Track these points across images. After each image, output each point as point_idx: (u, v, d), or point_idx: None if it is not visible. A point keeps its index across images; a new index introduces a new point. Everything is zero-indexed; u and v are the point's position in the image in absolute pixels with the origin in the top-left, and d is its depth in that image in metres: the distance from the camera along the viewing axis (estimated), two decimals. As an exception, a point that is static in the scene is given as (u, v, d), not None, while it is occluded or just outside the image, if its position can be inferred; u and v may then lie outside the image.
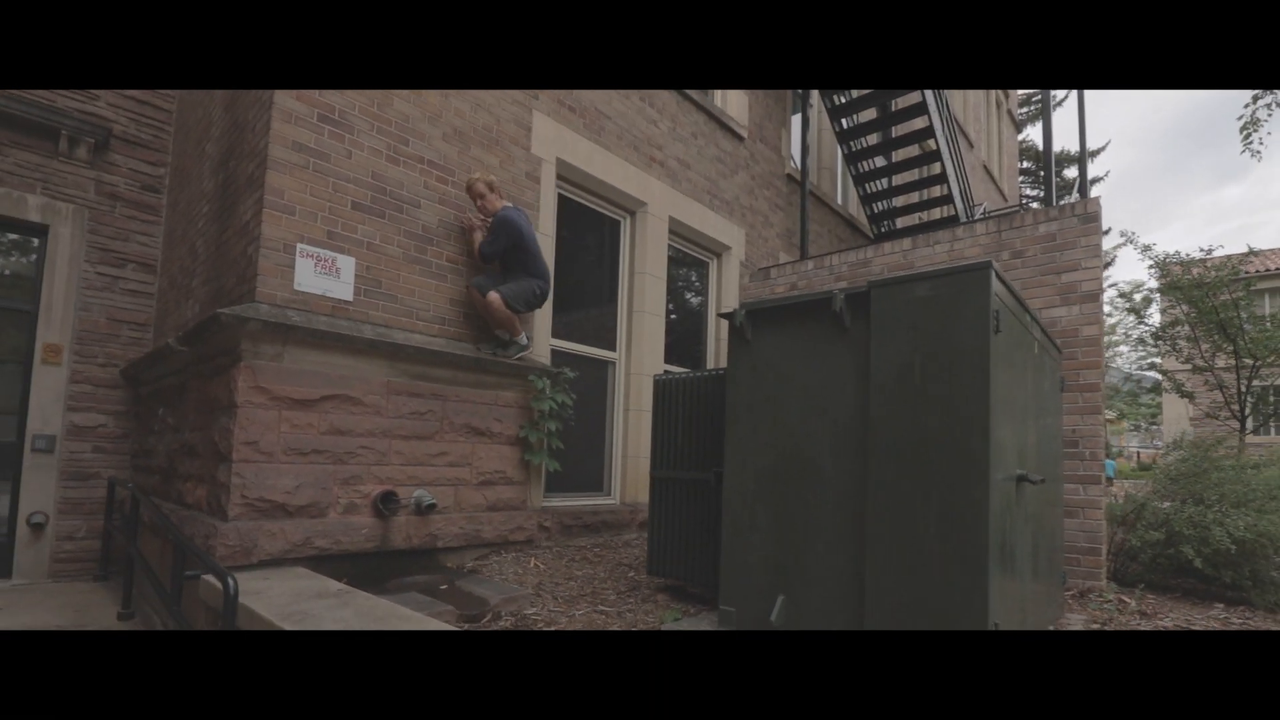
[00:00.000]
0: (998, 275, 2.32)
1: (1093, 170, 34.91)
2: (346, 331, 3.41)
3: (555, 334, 4.89)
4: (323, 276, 3.49)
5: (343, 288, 3.58)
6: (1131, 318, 8.90)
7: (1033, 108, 22.62)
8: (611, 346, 5.33)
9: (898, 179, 8.09)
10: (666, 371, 4.87)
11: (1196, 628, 3.31)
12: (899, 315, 2.43)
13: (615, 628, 3.09)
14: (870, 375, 2.48)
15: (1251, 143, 7.64)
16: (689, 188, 5.85)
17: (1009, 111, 13.82)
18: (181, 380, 4.09)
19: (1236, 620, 3.49)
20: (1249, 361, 6.48)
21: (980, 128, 12.22)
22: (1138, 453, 29.47)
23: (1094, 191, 24.73)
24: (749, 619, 2.80)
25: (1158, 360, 10.02)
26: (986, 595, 2.16)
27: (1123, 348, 12.26)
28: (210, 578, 2.70)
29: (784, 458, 2.73)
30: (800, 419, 2.70)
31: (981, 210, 7.33)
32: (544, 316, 4.62)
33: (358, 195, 3.66)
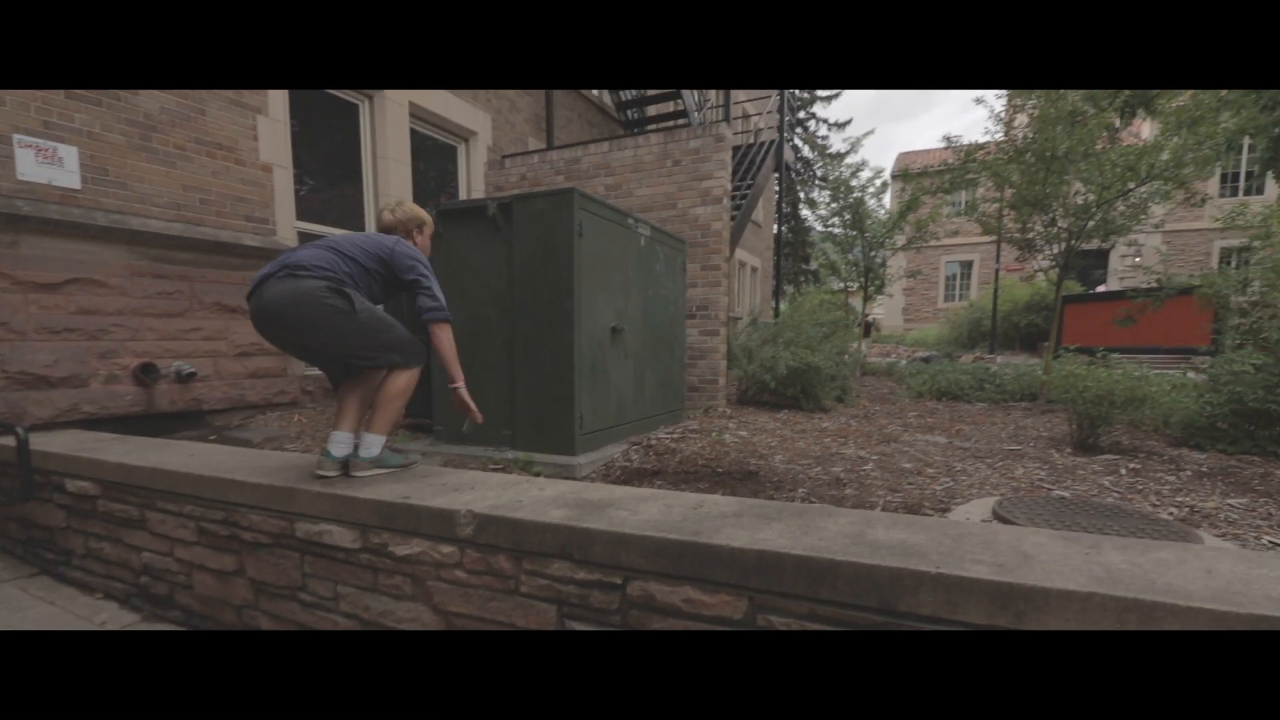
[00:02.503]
0: (584, 196, 3.56)
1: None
2: (79, 219, 3.80)
3: (302, 217, 5.44)
4: (46, 166, 3.76)
5: (68, 176, 3.88)
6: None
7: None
8: (360, 227, 5.99)
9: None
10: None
11: (760, 420, 5.30)
12: (528, 221, 3.63)
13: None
14: (512, 260, 3.70)
15: None
16: (431, 81, 6.37)
17: None
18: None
19: (786, 416, 5.58)
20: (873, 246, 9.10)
21: None
22: (869, 317, 35.85)
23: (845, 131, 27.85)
24: (452, 433, 4.09)
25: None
26: (573, 398, 3.61)
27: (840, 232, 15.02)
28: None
29: (469, 318, 3.92)
30: (478, 291, 3.87)
31: (704, 107, 8.65)
32: (286, 198, 5.15)
33: (69, 86, 3.86)
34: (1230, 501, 3.15)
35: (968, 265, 25.22)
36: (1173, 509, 3.05)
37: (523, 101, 7.73)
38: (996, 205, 6.47)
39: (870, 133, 11.22)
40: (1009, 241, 6.35)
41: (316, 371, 5.58)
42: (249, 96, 4.91)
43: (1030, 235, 6.14)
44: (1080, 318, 11.45)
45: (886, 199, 12.32)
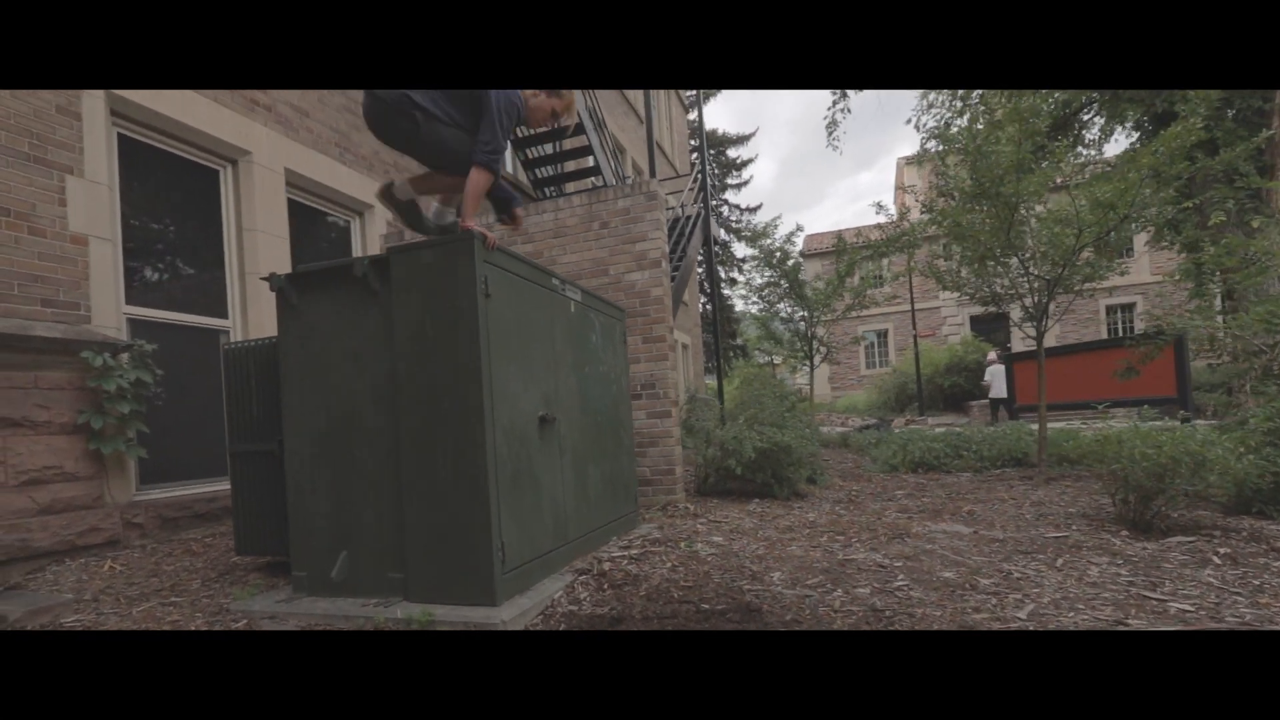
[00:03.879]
0: (488, 245, 2.61)
1: (748, 152, 41.22)
2: None
3: (135, 301, 4.23)
4: None
5: None
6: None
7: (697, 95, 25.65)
8: (223, 314, 4.79)
9: (563, 144, 8.58)
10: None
11: (733, 516, 4.28)
12: (413, 279, 2.62)
13: (174, 619, 2.88)
14: (394, 336, 2.65)
15: (834, 138, 9.85)
16: (309, 138, 5.43)
17: (678, 95, 15.55)
18: None
19: (759, 507, 4.59)
20: (813, 312, 8.60)
21: (656, 104, 13.55)
22: (800, 388, 36.46)
23: (747, 172, 29.34)
24: (318, 580, 2.84)
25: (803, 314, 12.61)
26: (489, 519, 2.50)
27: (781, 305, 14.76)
28: None
29: (335, 418, 2.78)
30: (346, 379, 2.77)
31: (629, 181, 8.16)
32: (107, 281, 3.95)
33: None
34: (1384, 594, 2.36)
35: (883, 333, 25.93)
36: (1333, 615, 2.21)
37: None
38: (953, 260, 6.01)
39: (779, 217, 11.29)
40: (971, 296, 5.86)
41: (156, 495, 4.20)
42: (55, 153, 3.79)
43: (999, 288, 5.65)
44: (1030, 374, 11.29)
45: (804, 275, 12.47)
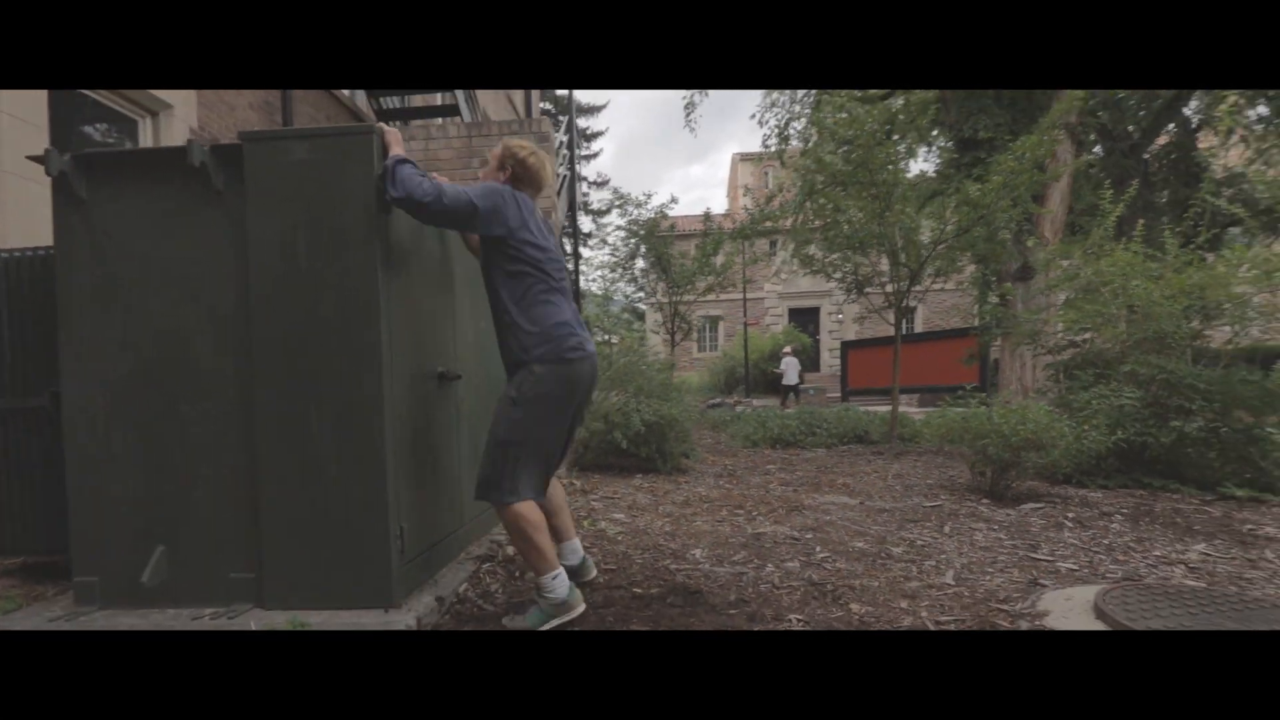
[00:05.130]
0: (386, 145, 2.05)
1: (598, 124, 41.34)
2: None
3: None
4: None
5: None
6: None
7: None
8: None
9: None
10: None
11: (624, 492, 4.02)
12: (279, 181, 1.97)
13: None
14: (250, 251, 1.97)
15: (692, 119, 9.98)
16: None
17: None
18: None
19: (645, 482, 4.40)
20: (676, 290, 8.64)
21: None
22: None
23: (597, 144, 29.33)
24: (117, 587, 2.07)
25: (640, 294, 12.52)
26: (386, 500, 1.97)
27: (621, 283, 14.70)
28: None
29: (148, 359, 2.03)
30: (167, 308, 2.02)
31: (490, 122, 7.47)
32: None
33: None
34: (1200, 549, 2.78)
35: (715, 319, 27.48)
36: (1180, 565, 2.54)
37: (255, 98, 5.65)
38: (824, 247, 6.27)
39: (627, 193, 10.89)
40: (840, 283, 6.19)
41: None
42: None
43: (867, 274, 6.01)
44: (862, 361, 12.48)
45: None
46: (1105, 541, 2.90)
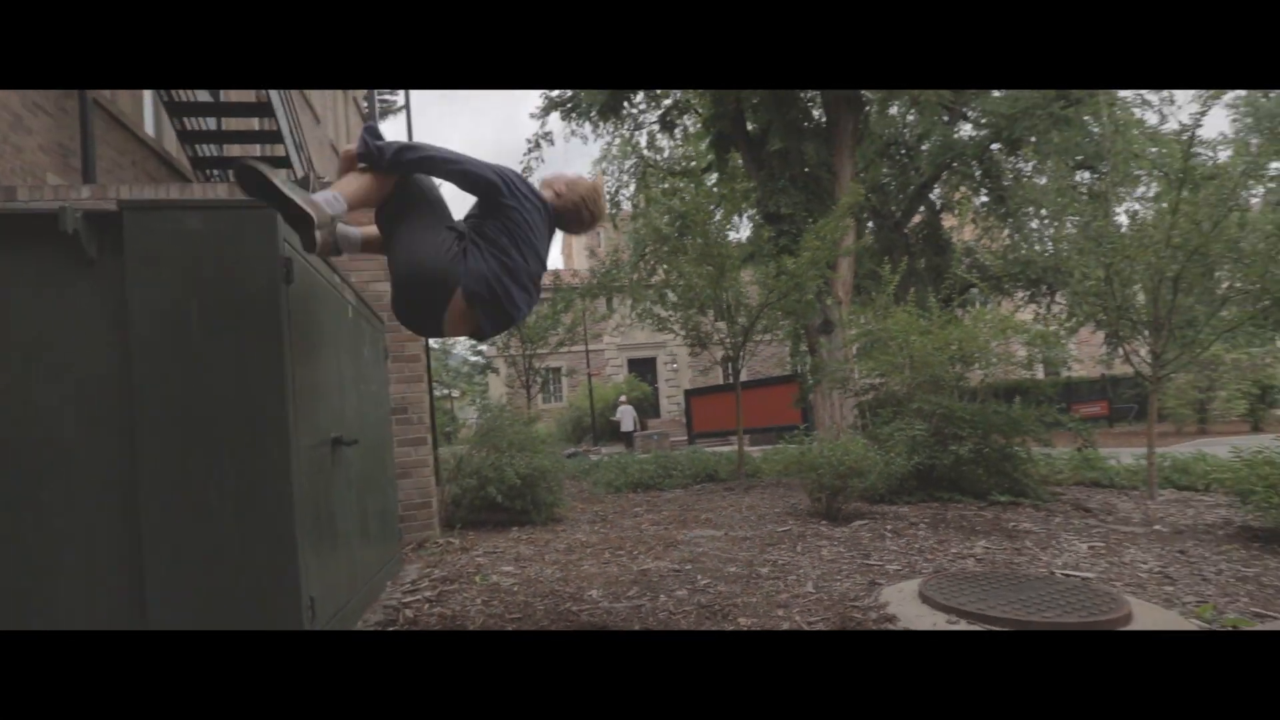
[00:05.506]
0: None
1: None
2: None
3: None
4: None
5: None
6: None
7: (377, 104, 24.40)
8: None
9: (229, 124, 7.19)
10: None
11: (505, 545, 4.04)
12: (165, 249, 1.92)
13: None
14: (131, 324, 1.88)
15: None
16: None
17: (355, 99, 14.41)
18: None
19: (523, 534, 4.45)
20: (530, 345, 8.83)
21: (328, 106, 12.36)
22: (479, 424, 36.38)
23: None
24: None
25: (483, 347, 12.41)
26: (297, 566, 1.93)
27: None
28: None
29: (4, 441, 1.81)
30: (25, 383, 1.84)
31: (323, 182, 7.23)
32: None
33: None
34: (982, 544, 3.54)
35: (557, 371, 27.88)
36: (970, 558, 3.23)
37: (38, 122, 4.97)
38: (669, 306, 6.90)
39: None
40: (684, 338, 6.82)
41: None
42: None
43: (706, 331, 6.70)
44: (704, 407, 13.39)
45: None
46: (917, 545, 3.57)
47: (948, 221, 13.94)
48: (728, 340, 6.61)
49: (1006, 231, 13.06)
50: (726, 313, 6.37)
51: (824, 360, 8.25)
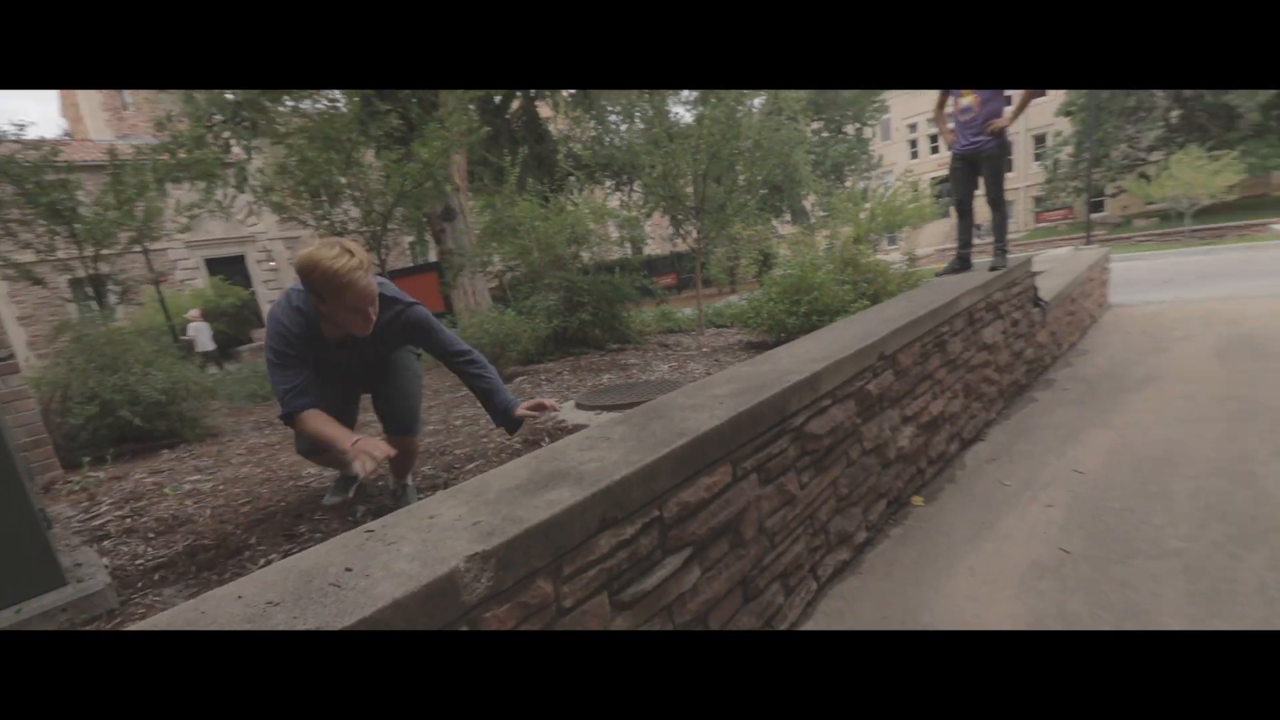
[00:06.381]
0: None
1: None
2: None
3: None
4: None
5: None
6: None
7: None
8: None
9: None
10: None
11: (165, 470, 3.73)
12: None
13: None
14: None
15: None
16: None
17: None
18: None
19: (182, 453, 4.12)
20: (91, 247, 6.91)
21: None
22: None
23: None
24: None
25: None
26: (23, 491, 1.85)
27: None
28: None
29: None
30: None
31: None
32: None
33: None
34: (609, 376, 4.92)
35: (103, 278, 21.56)
36: (601, 387, 4.54)
37: None
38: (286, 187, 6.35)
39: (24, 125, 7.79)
40: (316, 228, 6.45)
41: None
42: None
43: (343, 221, 6.48)
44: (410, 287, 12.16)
45: None
46: (565, 386, 4.74)
47: (543, 111, 15.22)
48: (365, 230, 6.58)
49: (592, 123, 15.07)
50: (364, 201, 6.31)
51: (452, 248, 8.78)
